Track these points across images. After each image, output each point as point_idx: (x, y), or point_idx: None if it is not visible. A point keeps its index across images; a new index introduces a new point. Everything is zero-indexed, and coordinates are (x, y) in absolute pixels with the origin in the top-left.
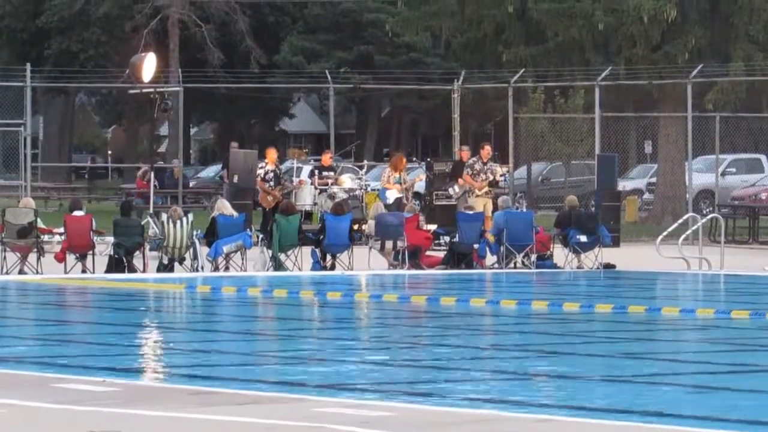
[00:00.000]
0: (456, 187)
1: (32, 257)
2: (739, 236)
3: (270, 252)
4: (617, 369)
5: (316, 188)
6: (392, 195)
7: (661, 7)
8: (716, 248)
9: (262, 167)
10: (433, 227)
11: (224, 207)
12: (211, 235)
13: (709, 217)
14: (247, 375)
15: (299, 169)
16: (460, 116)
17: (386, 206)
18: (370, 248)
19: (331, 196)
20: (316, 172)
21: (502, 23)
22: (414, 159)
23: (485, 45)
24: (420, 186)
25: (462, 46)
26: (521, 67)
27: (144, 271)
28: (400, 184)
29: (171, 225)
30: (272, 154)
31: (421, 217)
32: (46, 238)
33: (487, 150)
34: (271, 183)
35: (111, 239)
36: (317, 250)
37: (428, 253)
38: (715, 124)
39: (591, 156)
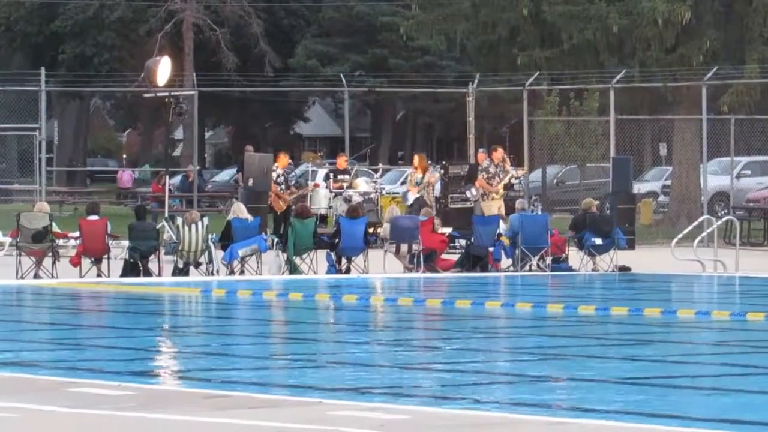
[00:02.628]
0: (473, 190)
1: (47, 261)
2: (754, 238)
3: (285, 255)
4: (632, 371)
5: (331, 191)
6: (412, 196)
7: (676, 10)
8: (731, 250)
9: (273, 170)
10: (448, 230)
11: (240, 210)
12: (227, 238)
13: (724, 219)
14: (262, 378)
15: (314, 173)
16: (474, 119)
17: (408, 207)
18: (385, 251)
19: (347, 200)
20: (331, 175)
21: (516, 26)
22: (429, 162)
23: (499, 48)
24: (435, 189)
25: (476, 49)
26: (536, 69)
27: (159, 275)
28: (419, 184)
29: (186, 229)
30: (283, 158)
31: (437, 220)
32: (61, 242)
33: (499, 152)
34: (282, 186)
35: (126, 243)
36: (332, 254)
37: (443, 256)
38: (729, 126)
39: (606, 159)
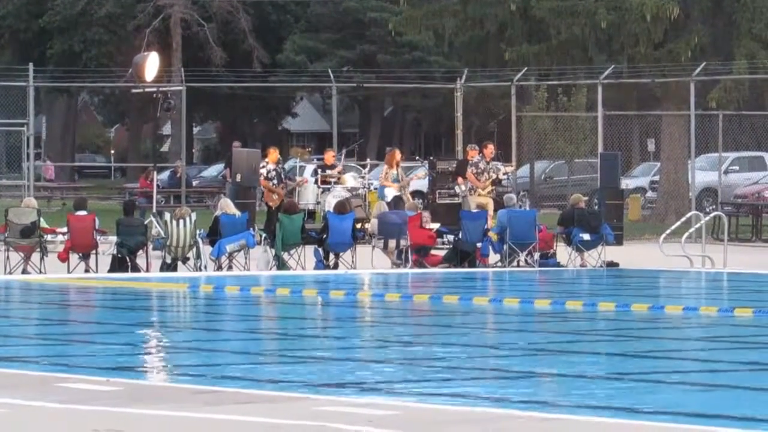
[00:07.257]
0: (462, 186)
1: (35, 257)
2: (742, 234)
3: (273, 251)
4: (620, 367)
5: (318, 187)
6: (390, 193)
7: (664, 5)
8: (719, 246)
9: (263, 166)
10: (436, 226)
11: (227, 206)
12: (214, 234)
13: (712, 215)
14: (250, 374)
15: (302, 168)
16: (462, 115)
17: (386, 204)
18: (373, 247)
19: (337, 196)
20: (319, 171)
21: (504, 21)
22: (417, 158)
23: (488, 43)
24: (423, 184)
25: (464, 45)
26: (524, 65)
27: (147, 270)
28: (398, 181)
29: (174, 224)
30: (273, 153)
31: (425, 216)
32: (49, 237)
33: (490, 149)
34: (274, 181)
35: (114, 239)
36: (320, 249)
37: (432, 251)
38: (718, 122)
39: (594, 154)
